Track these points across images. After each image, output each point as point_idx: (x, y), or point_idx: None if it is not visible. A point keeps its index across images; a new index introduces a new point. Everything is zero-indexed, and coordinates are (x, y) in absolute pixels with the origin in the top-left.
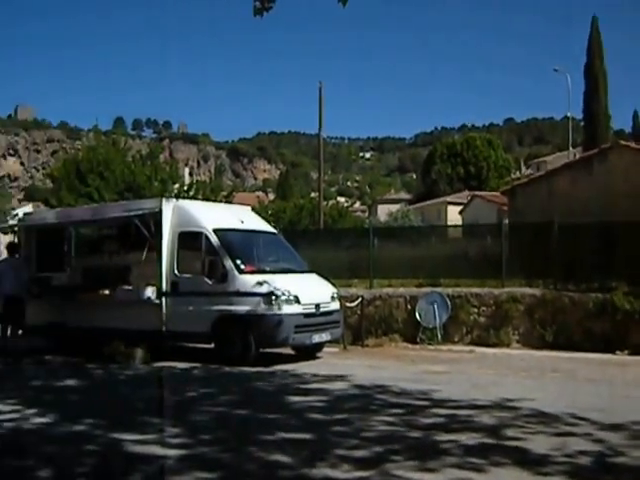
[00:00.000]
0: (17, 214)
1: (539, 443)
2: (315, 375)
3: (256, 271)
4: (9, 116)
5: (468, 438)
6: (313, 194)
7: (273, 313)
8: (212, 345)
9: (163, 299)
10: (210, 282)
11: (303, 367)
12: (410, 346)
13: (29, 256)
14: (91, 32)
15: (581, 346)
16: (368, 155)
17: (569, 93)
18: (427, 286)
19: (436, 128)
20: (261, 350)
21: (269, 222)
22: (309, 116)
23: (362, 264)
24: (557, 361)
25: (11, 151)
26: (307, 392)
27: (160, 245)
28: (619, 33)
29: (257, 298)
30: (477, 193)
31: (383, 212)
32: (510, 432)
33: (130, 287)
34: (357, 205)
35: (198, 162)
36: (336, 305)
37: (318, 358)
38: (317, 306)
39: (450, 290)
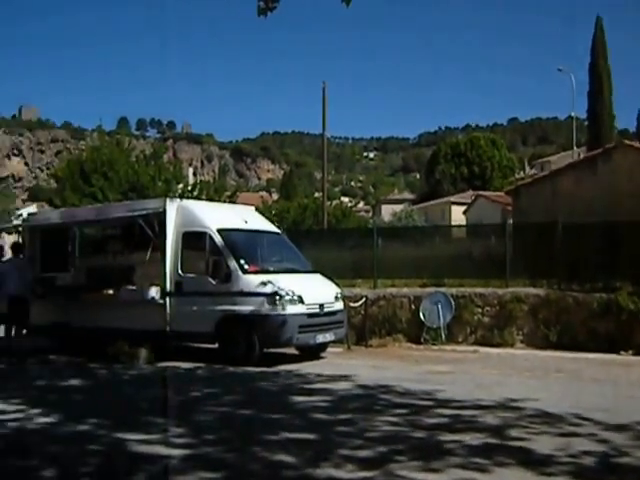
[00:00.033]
0: (21, 214)
1: (543, 443)
2: (319, 375)
3: (260, 271)
4: (13, 116)
5: (472, 438)
6: (317, 194)
7: (277, 313)
8: (216, 345)
9: (167, 299)
10: (214, 282)
11: (307, 367)
12: (414, 346)
13: (33, 256)
14: (95, 32)
15: (585, 346)
16: (372, 155)
17: (573, 93)
18: (431, 286)
19: (440, 128)
20: (265, 350)
21: (273, 222)
22: (313, 116)
23: (366, 264)
24: (561, 361)
25: (15, 151)
26: (311, 392)
27: (164, 245)
28: (623, 33)
29: (261, 298)
30: (481, 193)
31: (387, 212)
32: (514, 432)
33: (134, 287)
34: (361, 205)
35: (202, 162)
36: (340, 305)
37: (322, 358)
38: (321, 306)
39: (454, 290)
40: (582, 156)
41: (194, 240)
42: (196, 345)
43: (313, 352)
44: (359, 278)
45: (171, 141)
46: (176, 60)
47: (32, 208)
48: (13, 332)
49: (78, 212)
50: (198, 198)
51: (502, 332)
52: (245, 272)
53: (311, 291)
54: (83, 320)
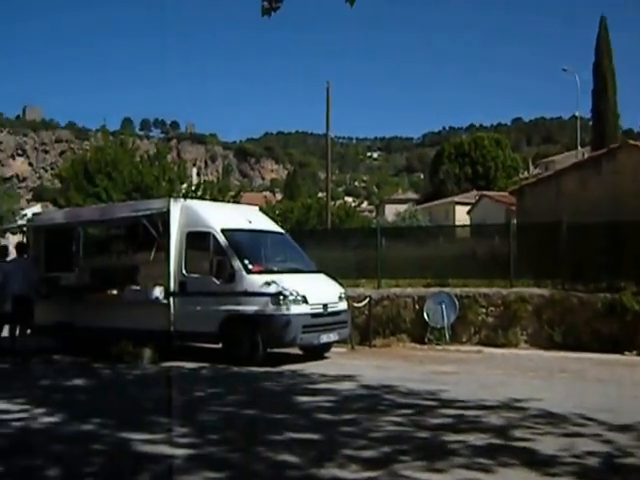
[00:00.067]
0: (25, 214)
1: (547, 444)
2: (323, 375)
3: (264, 271)
4: (17, 117)
5: (476, 438)
6: (321, 194)
7: (281, 313)
8: (220, 345)
9: (171, 299)
10: (218, 282)
11: (311, 367)
12: (418, 346)
13: (37, 256)
14: (99, 32)
15: (589, 346)
16: (376, 155)
17: (577, 92)
18: (435, 286)
19: (444, 128)
20: (269, 350)
21: (277, 222)
22: (317, 116)
23: (370, 264)
24: (565, 361)
25: (19, 151)
26: (315, 392)
27: (168, 245)
28: (627, 32)
29: (265, 298)
30: (485, 193)
31: (391, 212)
32: (518, 433)
33: (138, 287)
34: (364, 205)
35: (206, 162)
36: (344, 305)
37: (326, 358)
38: (325, 306)
39: (458, 290)
40: (586, 156)
41: (198, 240)
42: (200, 345)
43: (317, 352)
44: (363, 278)
45: (175, 141)
46: (180, 60)
47: (36, 208)
48: (17, 332)
49: (82, 212)
50: (202, 198)
51: (506, 332)
52: (249, 272)
53: (315, 291)
54: (87, 320)
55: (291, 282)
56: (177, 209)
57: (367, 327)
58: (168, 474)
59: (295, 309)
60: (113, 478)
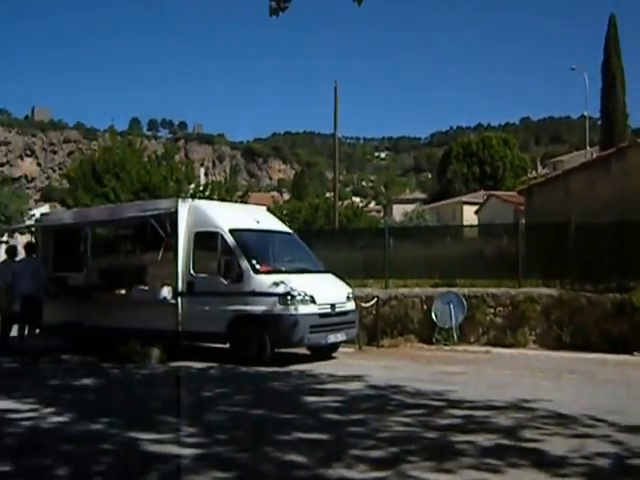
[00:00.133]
0: (34, 214)
1: (556, 445)
2: (331, 375)
3: (272, 271)
4: (26, 117)
5: (485, 439)
6: (328, 194)
7: (289, 313)
8: (228, 345)
9: (179, 299)
10: (226, 282)
11: (318, 367)
12: (426, 347)
13: (46, 256)
14: (107, 32)
15: (598, 347)
16: (383, 155)
17: (586, 92)
18: (443, 286)
19: (451, 128)
20: (276, 350)
21: (284, 222)
22: (324, 116)
23: (377, 264)
24: (574, 362)
25: (28, 152)
26: (323, 392)
27: (176, 245)
28: (637, 31)
29: (273, 298)
30: (493, 193)
31: (398, 212)
32: (527, 433)
33: (146, 287)
34: (372, 205)
35: (213, 162)
36: (351, 305)
37: (333, 358)
38: (332, 306)
39: (466, 290)
40: (595, 155)
41: (206, 240)
42: (208, 345)
43: (324, 352)
44: (370, 278)
45: (183, 141)
46: (188, 60)
47: (45, 208)
48: (26, 331)
49: (90, 212)
50: (210, 198)
51: (515, 332)
52: (257, 272)
53: (323, 291)
54: (96, 320)
55: (299, 282)
56: (185, 209)
57: (375, 327)
58: (176, 474)
59: (303, 309)
60: (121, 477)
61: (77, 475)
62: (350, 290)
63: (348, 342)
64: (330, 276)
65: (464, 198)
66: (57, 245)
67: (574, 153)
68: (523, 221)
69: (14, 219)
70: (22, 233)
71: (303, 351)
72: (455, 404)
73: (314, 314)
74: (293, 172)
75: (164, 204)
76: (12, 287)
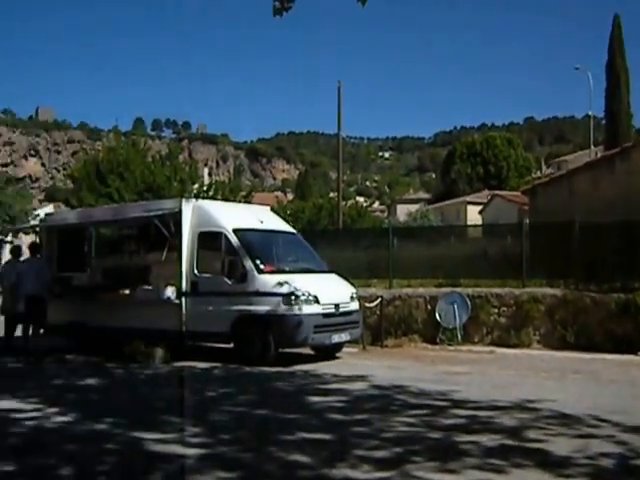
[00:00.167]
0: (38, 215)
1: (560, 445)
2: (335, 375)
3: (276, 271)
4: (30, 117)
5: (489, 439)
6: (332, 194)
7: (293, 313)
8: (232, 345)
9: (183, 299)
10: (230, 282)
11: (322, 367)
12: (430, 347)
13: (50, 256)
14: (111, 32)
15: (603, 347)
16: (387, 155)
17: (590, 91)
18: (447, 286)
19: (455, 127)
20: (280, 350)
21: (288, 222)
22: (328, 116)
23: (381, 264)
24: (578, 362)
25: (32, 152)
26: (327, 392)
27: (180, 245)
28: None
29: (277, 298)
30: (497, 193)
31: (402, 212)
32: (531, 434)
33: (150, 287)
34: (376, 205)
35: (217, 162)
36: (355, 305)
37: (337, 358)
38: (336, 306)
39: (470, 290)
40: (599, 155)
41: (210, 240)
42: (212, 345)
43: (328, 352)
44: (374, 278)
45: (186, 141)
46: (192, 60)
47: (49, 208)
48: (30, 331)
49: (94, 212)
50: (213, 198)
51: (519, 332)
52: (261, 272)
53: (327, 291)
54: (100, 320)
55: (303, 282)
56: (189, 209)
57: (379, 327)
58: (180, 474)
59: (307, 309)
60: (125, 477)
61: (81, 475)
62: (354, 290)
63: (352, 342)
64: (334, 276)
65: (468, 198)
66: (61, 245)
67: (578, 153)
68: (527, 221)
69: (18, 219)
70: (26, 233)
71: (307, 351)
72: (459, 404)
73: (318, 314)
74: (297, 172)
75: (168, 204)
76: (16, 287)
